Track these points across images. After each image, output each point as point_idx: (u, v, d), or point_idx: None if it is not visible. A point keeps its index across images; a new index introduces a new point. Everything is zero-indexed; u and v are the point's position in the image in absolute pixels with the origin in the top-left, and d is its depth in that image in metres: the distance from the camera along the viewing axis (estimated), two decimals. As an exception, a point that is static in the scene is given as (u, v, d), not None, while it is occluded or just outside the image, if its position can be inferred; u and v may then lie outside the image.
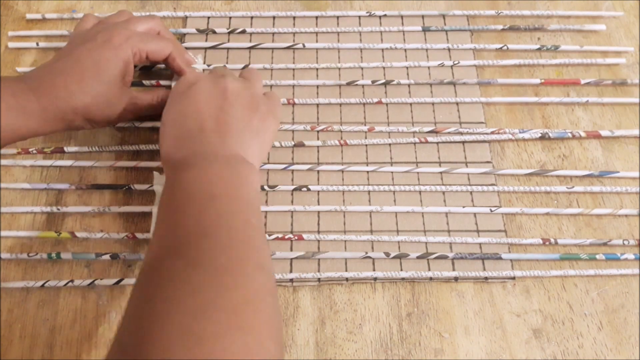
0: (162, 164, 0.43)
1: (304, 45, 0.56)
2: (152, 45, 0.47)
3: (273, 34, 0.57)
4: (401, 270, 0.46)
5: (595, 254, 0.47)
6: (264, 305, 0.33)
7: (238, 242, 0.36)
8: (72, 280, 0.46)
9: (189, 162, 0.40)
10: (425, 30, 0.57)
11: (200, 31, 0.57)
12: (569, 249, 0.48)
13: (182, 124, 0.43)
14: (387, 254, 0.47)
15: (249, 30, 0.57)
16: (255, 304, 0.33)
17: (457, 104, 0.53)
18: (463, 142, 0.52)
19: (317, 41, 0.56)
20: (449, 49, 0.56)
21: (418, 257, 0.47)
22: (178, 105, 0.44)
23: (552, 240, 0.47)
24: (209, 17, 0.58)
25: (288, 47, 0.56)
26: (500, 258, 0.47)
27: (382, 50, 0.56)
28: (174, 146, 0.42)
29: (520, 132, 0.51)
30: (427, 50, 0.56)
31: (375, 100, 0.53)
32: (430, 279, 0.46)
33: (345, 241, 0.48)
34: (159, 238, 0.37)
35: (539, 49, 0.56)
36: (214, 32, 0.57)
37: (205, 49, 0.56)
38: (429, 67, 0.55)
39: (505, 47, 0.56)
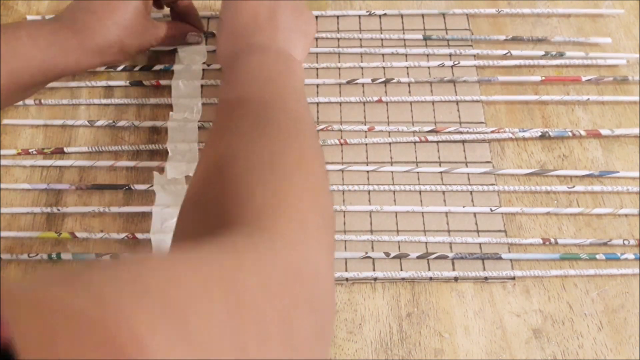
0: (220, 60, 0.49)
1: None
2: None
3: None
4: (401, 270, 0.47)
5: (596, 253, 0.47)
6: (321, 159, 0.40)
7: (294, 115, 0.41)
8: (72, 281, 0.46)
9: (246, 51, 0.45)
10: (426, 39, 0.56)
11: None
12: (569, 249, 0.48)
13: (238, 20, 0.47)
14: (387, 254, 0.47)
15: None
16: (317, 154, 0.39)
17: (457, 102, 0.53)
18: (463, 142, 0.52)
19: (317, 46, 0.56)
20: (450, 55, 0.56)
21: (418, 257, 0.47)
22: (235, 3, 0.48)
23: (552, 241, 0.47)
24: (209, 18, 0.58)
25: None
26: (500, 258, 0.47)
27: (383, 55, 0.56)
28: (231, 40, 0.47)
29: (520, 131, 0.51)
30: (427, 55, 0.56)
31: (376, 98, 0.53)
32: (430, 279, 0.46)
33: (345, 241, 0.48)
34: (226, 104, 0.42)
35: (544, 56, 0.55)
36: (214, 35, 0.56)
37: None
38: (429, 67, 0.55)
39: (508, 54, 0.55)
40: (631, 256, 0.47)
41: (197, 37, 0.55)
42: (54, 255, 0.47)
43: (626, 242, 0.47)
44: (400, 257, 0.47)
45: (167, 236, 0.47)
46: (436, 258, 0.47)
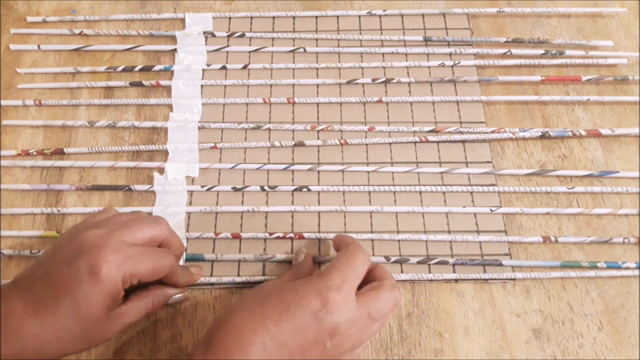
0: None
1: (305, 50, 0.56)
2: (149, 265, 0.38)
3: (273, 39, 0.57)
4: (402, 272, 0.46)
5: (597, 262, 0.47)
6: None
7: None
8: (73, 282, 0.46)
9: None
10: (427, 40, 0.56)
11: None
12: (569, 247, 0.48)
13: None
14: (387, 258, 0.47)
15: (248, 34, 0.56)
16: None
17: (457, 102, 0.53)
18: (463, 142, 0.52)
19: (317, 46, 0.56)
20: (450, 55, 0.56)
21: (418, 262, 0.47)
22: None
23: (553, 239, 0.47)
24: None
25: (290, 51, 0.56)
26: (501, 264, 0.47)
27: (383, 55, 0.56)
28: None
29: (520, 131, 0.51)
30: (428, 55, 0.56)
31: (376, 99, 0.53)
32: (431, 280, 0.46)
33: (345, 241, 0.48)
34: None
35: (544, 55, 0.55)
36: (213, 36, 0.56)
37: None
38: (429, 67, 0.55)
39: (508, 52, 0.55)
40: (632, 265, 0.46)
41: (182, 296, 0.44)
42: (54, 256, 0.47)
43: (626, 241, 0.47)
44: (401, 261, 0.47)
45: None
46: (437, 264, 0.47)
